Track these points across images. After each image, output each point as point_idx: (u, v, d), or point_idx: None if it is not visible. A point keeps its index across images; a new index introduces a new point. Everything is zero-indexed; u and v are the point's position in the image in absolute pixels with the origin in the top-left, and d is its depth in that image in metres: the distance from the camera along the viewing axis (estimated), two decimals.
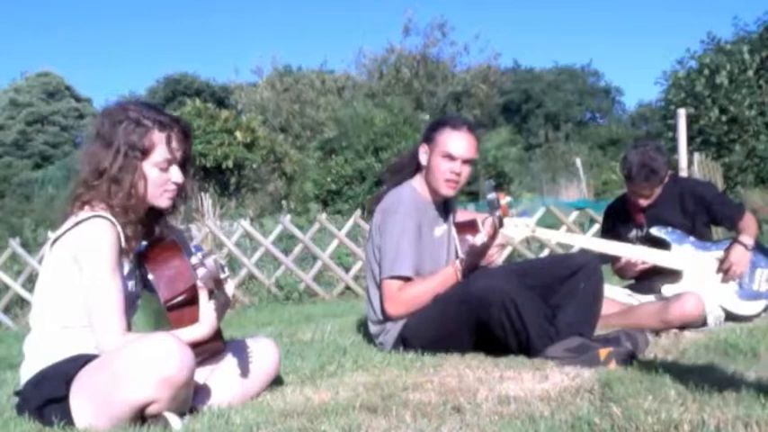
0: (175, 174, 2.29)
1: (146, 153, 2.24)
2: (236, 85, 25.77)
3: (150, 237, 2.36)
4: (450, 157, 3.15)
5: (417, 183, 3.28)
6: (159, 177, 2.27)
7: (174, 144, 2.27)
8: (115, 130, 2.23)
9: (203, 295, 2.18)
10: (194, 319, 2.21)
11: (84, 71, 65.41)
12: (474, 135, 3.23)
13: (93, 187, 2.24)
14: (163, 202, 2.30)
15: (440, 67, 23.25)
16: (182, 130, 2.30)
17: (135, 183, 2.23)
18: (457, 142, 3.17)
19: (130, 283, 2.28)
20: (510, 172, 16.89)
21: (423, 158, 3.24)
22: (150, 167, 2.26)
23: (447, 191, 3.21)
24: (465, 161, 3.18)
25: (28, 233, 9.80)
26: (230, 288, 2.21)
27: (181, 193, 2.35)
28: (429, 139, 3.22)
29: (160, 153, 2.25)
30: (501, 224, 2.99)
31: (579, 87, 38.92)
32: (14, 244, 7.01)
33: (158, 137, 2.25)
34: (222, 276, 2.10)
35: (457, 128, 3.19)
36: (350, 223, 7.11)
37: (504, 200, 2.90)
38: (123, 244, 2.22)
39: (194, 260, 2.10)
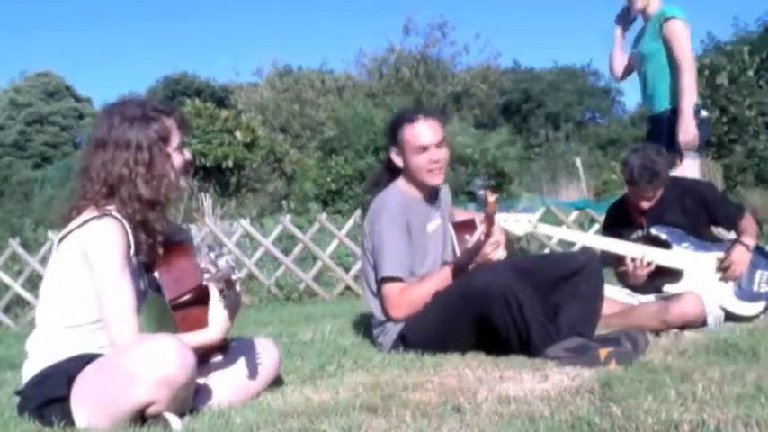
0: (187, 153, 2.36)
1: (167, 142, 2.28)
2: (236, 85, 25.75)
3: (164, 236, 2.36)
4: (423, 149, 3.17)
5: (402, 183, 3.29)
6: (180, 161, 2.32)
7: (183, 125, 2.33)
8: (129, 130, 2.23)
9: (214, 297, 2.18)
10: (200, 319, 2.20)
11: (84, 71, 65.44)
12: (432, 117, 3.25)
13: (111, 194, 2.23)
14: (182, 183, 2.34)
15: (440, 67, 23.24)
16: (181, 112, 2.37)
17: (168, 174, 2.26)
18: (421, 132, 3.19)
19: (138, 282, 2.28)
20: (510, 172, 16.85)
21: (398, 162, 3.25)
22: (173, 154, 2.29)
23: (435, 180, 3.23)
24: (437, 145, 3.19)
25: (28, 233, 9.79)
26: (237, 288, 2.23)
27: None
28: (395, 141, 3.24)
29: (176, 137, 2.30)
30: (491, 221, 3.01)
31: (579, 87, 38.86)
32: (14, 244, 7.01)
33: (169, 122, 2.29)
34: (234, 277, 2.11)
35: (413, 120, 3.21)
36: (350, 223, 7.11)
37: (492, 197, 2.93)
38: (131, 242, 2.22)
39: (207, 260, 2.11)
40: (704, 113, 4.43)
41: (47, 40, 64.45)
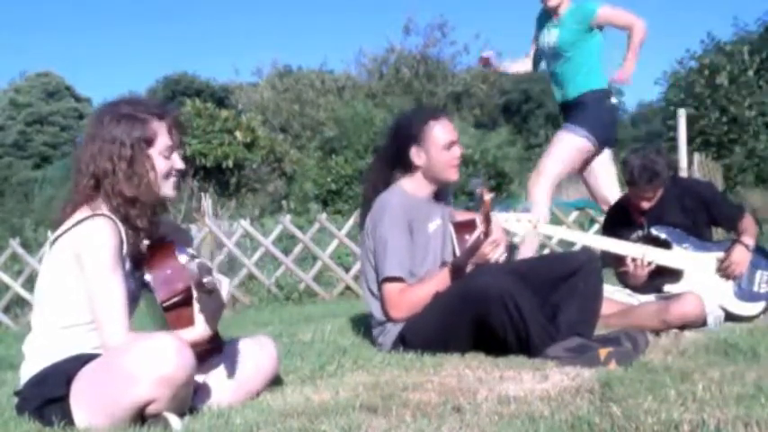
0: (177, 160, 2.33)
1: (150, 143, 2.27)
2: (236, 85, 25.77)
3: (151, 236, 2.36)
4: (452, 144, 3.23)
5: (407, 183, 3.28)
6: (165, 165, 2.30)
7: (174, 131, 2.30)
8: (116, 127, 2.25)
9: (197, 297, 2.19)
10: (192, 320, 2.21)
11: (84, 71, 65.45)
12: (446, 115, 3.36)
13: (97, 188, 2.24)
14: (169, 190, 2.32)
15: (440, 67, 23.24)
16: (175, 117, 2.34)
17: (147, 174, 2.25)
18: (448, 130, 3.25)
19: (131, 282, 2.28)
20: (510, 172, 16.86)
21: (419, 160, 3.23)
22: (156, 157, 2.28)
23: (455, 176, 3.29)
24: (457, 142, 3.28)
25: (29, 233, 9.80)
26: (225, 290, 2.21)
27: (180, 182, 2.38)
28: (417, 140, 3.21)
29: (163, 141, 2.28)
30: (488, 220, 3.02)
31: None
32: (14, 244, 7.02)
33: (158, 125, 2.28)
34: (205, 280, 2.07)
35: (438, 118, 3.26)
36: (350, 223, 7.11)
37: (488, 196, 2.95)
38: (124, 241, 2.22)
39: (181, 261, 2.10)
40: (613, 100, 4.72)
41: (47, 40, 64.53)
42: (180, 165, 2.33)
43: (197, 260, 2.08)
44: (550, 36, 4.73)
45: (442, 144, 3.20)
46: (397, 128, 3.37)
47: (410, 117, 3.37)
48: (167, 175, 2.31)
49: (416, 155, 3.23)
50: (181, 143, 2.38)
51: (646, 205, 3.79)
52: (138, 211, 2.25)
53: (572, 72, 4.66)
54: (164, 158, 2.29)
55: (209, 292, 2.11)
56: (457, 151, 3.24)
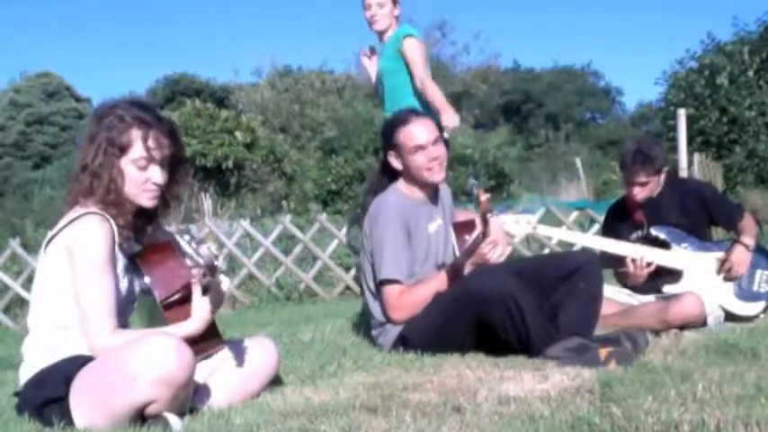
0: (155, 174, 2.29)
1: (123, 150, 2.26)
2: (236, 84, 25.76)
3: (142, 237, 2.36)
4: (420, 148, 3.20)
5: (402, 185, 3.31)
6: (138, 176, 2.27)
7: (151, 143, 2.26)
8: (99, 126, 2.27)
9: (197, 290, 2.20)
10: (189, 317, 2.22)
11: (84, 71, 65.31)
12: (422, 117, 3.33)
13: (78, 182, 2.27)
14: (144, 201, 2.30)
15: (440, 67, 23.22)
16: (164, 130, 2.29)
17: (113, 178, 2.25)
18: (415, 132, 3.22)
19: (125, 281, 2.29)
20: (510, 172, 16.86)
21: (397, 165, 3.28)
22: (128, 165, 2.26)
23: (436, 177, 3.25)
24: (434, 143, 3.22)
25: (29, 233, 9.78)
26: (225, 284, 2.22)
27: (168, 195, 2.36)
28: (392, 145, 3.27)
29: (137, 150, 2.26)
30: (485, 220, 3.01)
31: (579, 87, 38.84)
32: (14, 244, 7.02)
33: (136, 134, 2.26)
34: (216, 263, 2.12)
35: (407, 121, 3.26)
36: None
37: (484, 196, 2.94)
38: (116, 240, 2.23)
39: (188, 250, 2.11)
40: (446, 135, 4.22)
41: (47, 40, 64.46)
42: (157, 179, 2.29)
43: (204, 245, 2.10)
44: (379, 63, 4.47)
45: (409, 149, 3.21)
46: (380, 136, 3.44)
47: (386, 124, 3.44)
48: (141, 185, 2.28)
49: (395, 160, 3.27)
50: (174, 159, 2.33)
51: (639, 193, 3.76)
52: (115, 212, 2.25)
53: (394, 98, 4.32)
54: (137, 168, 2.27)
55: (216, 278, 2.14)
56: (432, 152, 3.19)
